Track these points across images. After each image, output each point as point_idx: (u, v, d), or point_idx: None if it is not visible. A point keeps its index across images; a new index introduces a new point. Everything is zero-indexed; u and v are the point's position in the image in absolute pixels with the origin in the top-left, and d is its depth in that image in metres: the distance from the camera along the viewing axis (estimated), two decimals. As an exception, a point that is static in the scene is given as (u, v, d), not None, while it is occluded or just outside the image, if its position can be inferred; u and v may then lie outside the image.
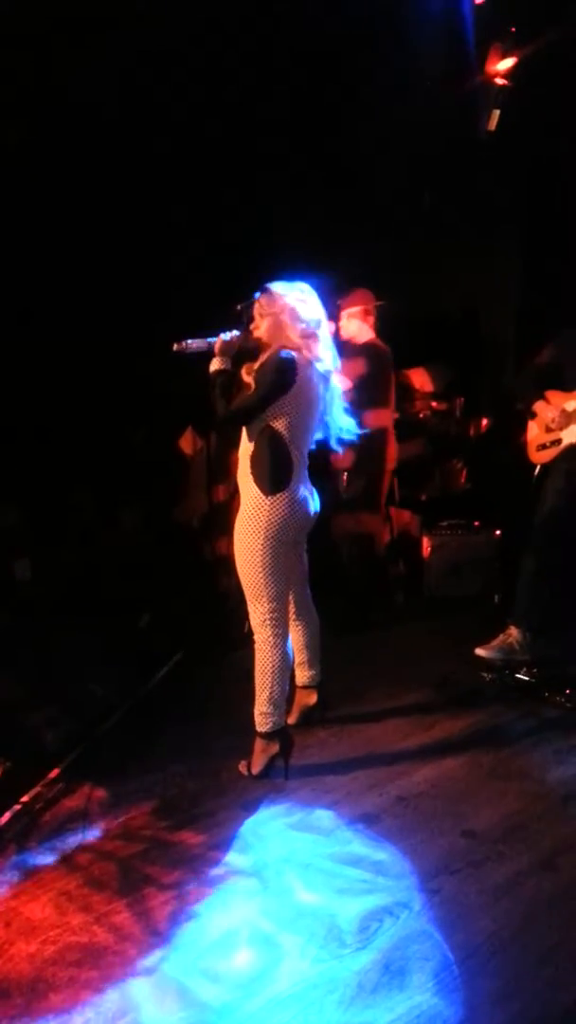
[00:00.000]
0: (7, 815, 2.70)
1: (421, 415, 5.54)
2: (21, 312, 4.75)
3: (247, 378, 2.93)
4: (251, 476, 2.87)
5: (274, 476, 2.84)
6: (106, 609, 4.31)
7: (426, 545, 5.07)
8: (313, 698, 3.33)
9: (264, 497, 2.83)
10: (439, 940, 2.13)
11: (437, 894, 2.31)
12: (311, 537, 3.16)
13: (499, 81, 4.99)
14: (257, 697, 2.92)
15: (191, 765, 3.05)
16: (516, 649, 3.88)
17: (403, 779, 2.95)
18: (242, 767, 2.98)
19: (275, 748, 2.93)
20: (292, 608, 3.15)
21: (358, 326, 4.51)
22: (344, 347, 4.46)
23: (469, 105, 5.12)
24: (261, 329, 2.96)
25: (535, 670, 3.79)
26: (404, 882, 2.37)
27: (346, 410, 3.11)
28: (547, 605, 3.87)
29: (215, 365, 2.94)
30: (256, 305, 2.96)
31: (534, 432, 4.03)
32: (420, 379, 5.59)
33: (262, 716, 2.92)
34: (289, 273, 3.00)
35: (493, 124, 5.06)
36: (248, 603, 2.93)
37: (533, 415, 4.00)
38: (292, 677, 3.11)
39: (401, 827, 2.64)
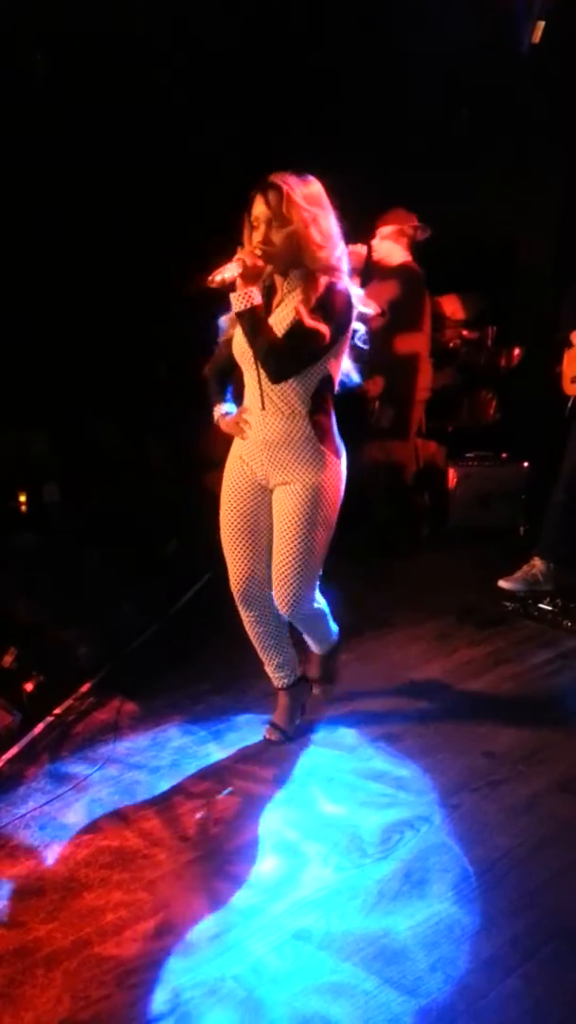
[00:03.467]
0: (41, 726, 2.80)
1: (451, 344, 5.44)
2: (51, 249, 4.70)
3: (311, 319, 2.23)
4: (313, 436, 2.38)
5: (338, 433, 2.48)
6: (133, 534, 4.35)
7: (452, 476, 5.05)
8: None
9: (336, 461, 2.44)
10: (458, 853, 2.20)
11: (457, 810, 2.38)
12: None
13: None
14: (320, 644, 2.81)
15: (218, 682, 3.13)
16: (540, 580, 3.91)
17: (425, 701, 3.01)
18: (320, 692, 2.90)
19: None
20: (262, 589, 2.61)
21: (391, 247, 4.38)
22: (376, 269, 4.35)
23: (511, 16, 4.87)
24: (280, 238, 2.25)
25: (558, 601, 3.81)
26: (425, 797, 2.43)
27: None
28: (573, 536, 3.87)
29: (254, 297, 2.22)
30: (282, 200, 2.22)
31: (568, 363, 3.97)
32: (452, 306, 5.47)
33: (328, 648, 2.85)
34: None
35: (538, 37, 4.81)
36: (288, 589, 2.47)
37: (570, 345, 3.93)
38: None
39: (422, 746, 2.71)
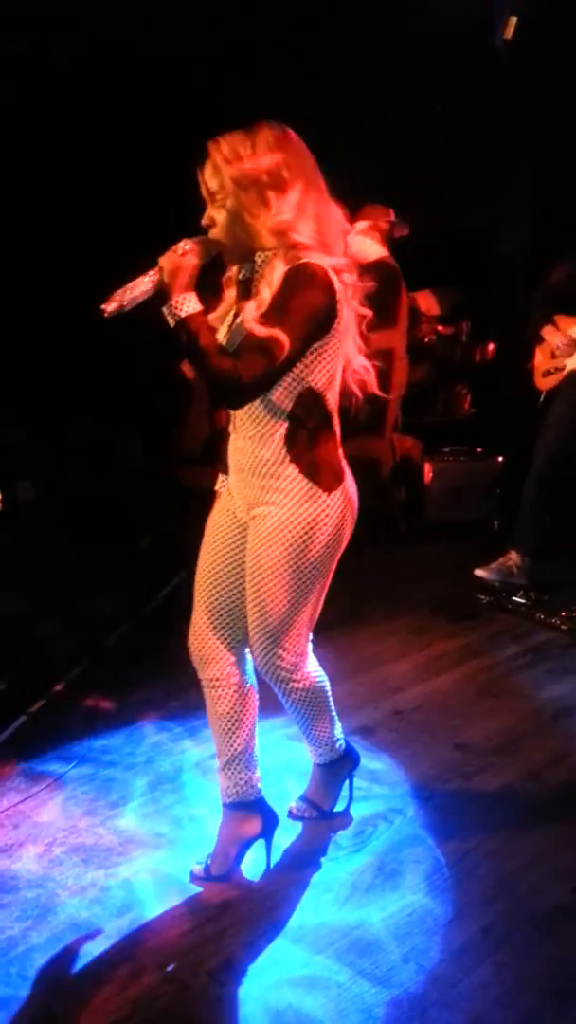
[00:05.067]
0: (14, 724, 2.79)
1: (426, 339, 5.48)
2: (25, 237, 4.67)
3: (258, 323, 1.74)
4: (291, 463, 1.89)
5: (331, 461, 1.94)
6: (108, 531, 4.35)
7: (428, 470, 5.08)
8: (251, 827, 2.13)
9: (321, 496, 1.90)
10: (431, 844, 2.22)
11: (430, 802, 2.40)
12: None
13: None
14: (315, 736, 2.24)
15: (192, 678, 3.10)
16: (515, 572, 3.95)
17: (398, 695, 3.03)
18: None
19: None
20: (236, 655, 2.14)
21: (365, 242, 4.37)
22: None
23: (484, 11, 4.89)
24: (221, 218, 1.83)
25: (532, 594, 3.85)
26: (398, 790, 2.46)
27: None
28: (547, 530, 3.92)
29: (183, 308, 1.73)
30: (209, 166, 1.81)
31: (540, 358, 4.00)
32: (426, 302, 5.51)
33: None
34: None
35: (510, 33, 4.84)
36: (262, 648, 2.00)
37: (541, 340, 3.97)
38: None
39: (396, 739, 2.73)
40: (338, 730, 2.27)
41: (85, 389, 5.11)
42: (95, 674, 3.13)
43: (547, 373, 3.98)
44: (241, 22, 4.67)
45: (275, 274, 1.78)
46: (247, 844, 2.11)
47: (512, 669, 3.24)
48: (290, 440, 1.88)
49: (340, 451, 1.98)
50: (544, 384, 4.01)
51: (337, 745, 2.27)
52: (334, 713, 2.23)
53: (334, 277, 1.82)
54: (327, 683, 2.18)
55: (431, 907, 2.00)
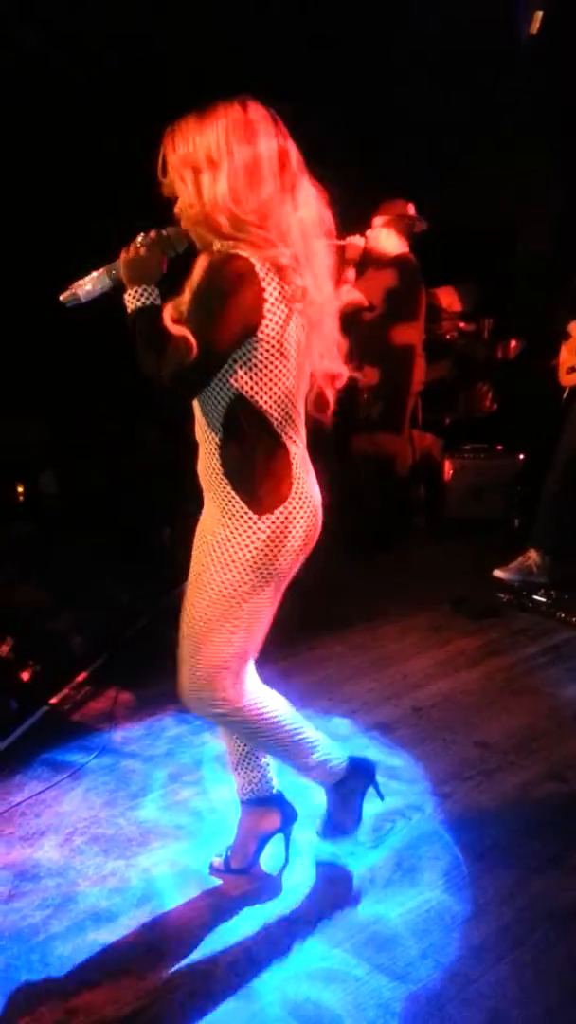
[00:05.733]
0: (37, 714, 2.81)
1: (448, 336, 5.46)
2: (41, 234, 4.68)
3: (175, 322, 1.63)
4: (224, 477, 1.73)
5: (272, 481, 1.73)
6: (129, 523, 4.37)
7: (447, 468, 5.07)
8: (270, 821, 2.12)
9: (251, 517, 1.72)
10: (450, 841, 2.22)
11: (449, 799, 2.40)
12: (328, 456, 2.67)
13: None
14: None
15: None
16: (534, 571, 3.93)
17: (418, 692, 3.03)
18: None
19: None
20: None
21: (389, 237, 4.37)
22: (371, 259, 4.34)
23: (510, 6, 4.85)
24: (177, 209, 1.71)
25: (552, 592, 3.83)
26: (417, 787, 2.46)
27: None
28: (567, 528, 3.90)
29: (133, 300, 1.68)
30: (173, 148, 1.66)
31: (565, 354, 3.98)
32: (448, 298, 5.49)
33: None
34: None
35: (536, 28, 4.80)
36: (183, 671, 1.87)
37: (567, 336, 3.95)
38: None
39: (415, 736, 2.73)
40: (324, 753, 2.03)
41: (102, 380, 5.13)
42: (116, 666, 3.15)
43: (571, 369, 3.96)
44: (259, 16, 4.66)
45: (200, 268, 1.67)
46: (266, 838, 2.10)
47: (532, 667, 3.23)
48: (223, 453, 1.73)
49: (293, 470, 1.75)
50: (568, 380, 3.99)
51: (330, 767, 2.06)
52: (310, 740, 2.00)
53: (267, 274, 1.62)
54: (283, 716, 1.94)
55: (449, 904, 2.01)
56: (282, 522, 1.73)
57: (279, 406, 1.71)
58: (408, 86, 5.07)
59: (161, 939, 1.91)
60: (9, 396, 4.75)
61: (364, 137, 4.99)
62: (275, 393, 1.70)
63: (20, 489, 4.74)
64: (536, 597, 3.82)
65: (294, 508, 1.74)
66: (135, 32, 4.39)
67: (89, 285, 1.73)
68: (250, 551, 1.73)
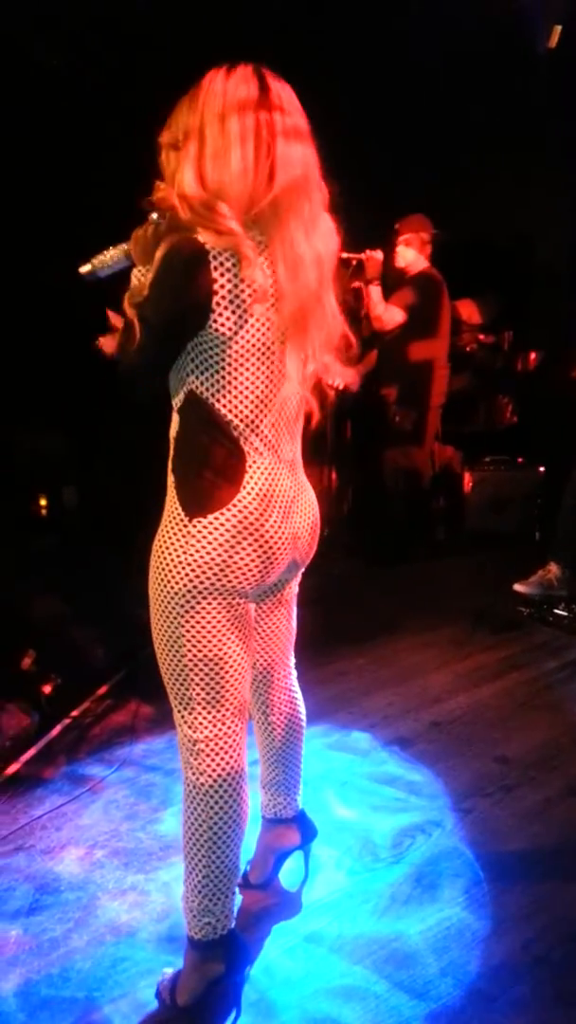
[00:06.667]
0: (58, 728, 2.84)
1: (468, 348, 5.46)
2: (58, 245, 4.73)
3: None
4: (170, 473, 1.61)
5: (214, 483, 1.55)
6: (150, 538, 4.39)
7: (468, 480, 5.06)
8: (290, 838, 2.09)
9: (183, 520, 1.56)
10: (470, 858, 2.21)
11: (469, 815, 2.39)
12: (357, 469, 2.55)
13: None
14: (185, 880, 1.73)
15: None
16: (555, 585, 3.91)
17: (438, 706, 3.02)
18: (163, 988, 1.78)
19: (216, 968, 1.71)
20: (260, 698, 2.02)
21: (414, 255, 4.44)
22: (398, 276, 4.40)
23: (527, 18, 4.87)
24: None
25: (573, 606, 3.81)
26: (437, 802, 2.45)
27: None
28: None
29: (137, 279, 1.57)
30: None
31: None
32: (468, 310, 5.50)
33: (192, 914, 1.71)
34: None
35: (555, 41, 4.81)
36: (172, 704, 1.77)
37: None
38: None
39: (435, 751, 2.72)
40: (225, 906, 1.72)
41: (116, 393, 5.16)
42: (137, 679, 3.17)
43: (591, 383, 3.95)
44: (278, 20, 4.68)
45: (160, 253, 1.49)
46: (286, 854, 2.10)
47: (553, 682, 3.21)
48: (174, 453, 1.60)
49: (246, 479, 1.55)
50: (588, 394, 3.98)
51: (208, 922, 1.70)
52: (231, 887, 1.73)
53: (223, 264, 1.44)
54: (238, 828, 1.74)
55: (469, 921, 2.00)
56: (223, 532, 1.54)
57: (241, 412, 1.53)
58: (426, 96, 5.10)
59: (180, 954, 1.91)
60: (34, 411, 4.81)
61: (382, 147, 5.01)
62: (236, 397, 1.53)
63: (43, 503, 4.79)
64: (557, 611, 3.80)
65: (243, 520, 1.54)
66: (135, 32, 4.43)
67: (109, 259, 1.65)
68: (178, 555, 1.55)
